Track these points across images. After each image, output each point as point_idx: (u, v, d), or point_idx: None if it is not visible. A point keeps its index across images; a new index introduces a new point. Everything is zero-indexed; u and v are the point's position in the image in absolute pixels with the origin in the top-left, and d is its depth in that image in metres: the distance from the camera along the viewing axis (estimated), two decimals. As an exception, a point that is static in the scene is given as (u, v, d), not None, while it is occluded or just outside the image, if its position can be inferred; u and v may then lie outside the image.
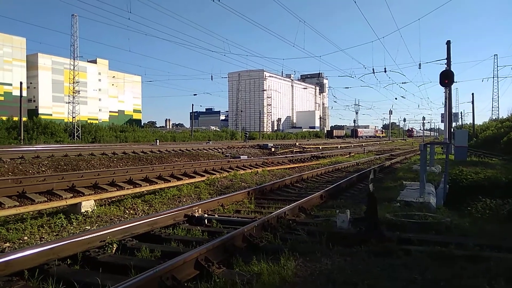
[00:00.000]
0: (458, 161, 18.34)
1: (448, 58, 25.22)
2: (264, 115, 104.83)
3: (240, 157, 20.96)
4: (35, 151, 16.78)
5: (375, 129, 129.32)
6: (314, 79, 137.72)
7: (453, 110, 33.32)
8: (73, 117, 43.05)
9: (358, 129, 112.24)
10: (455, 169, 14.34)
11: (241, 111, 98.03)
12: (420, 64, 32.89)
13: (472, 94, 52.90)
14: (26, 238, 6.01)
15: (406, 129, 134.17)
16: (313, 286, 3.48)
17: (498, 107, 75.89)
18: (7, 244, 5.66)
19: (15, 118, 37.31)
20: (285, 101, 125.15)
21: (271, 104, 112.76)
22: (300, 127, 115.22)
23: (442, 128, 30.65)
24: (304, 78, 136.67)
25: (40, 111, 65.97)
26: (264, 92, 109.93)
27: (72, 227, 6.76)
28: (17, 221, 6.83)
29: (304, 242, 4.95)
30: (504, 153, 27.38)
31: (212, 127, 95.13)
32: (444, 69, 23.54)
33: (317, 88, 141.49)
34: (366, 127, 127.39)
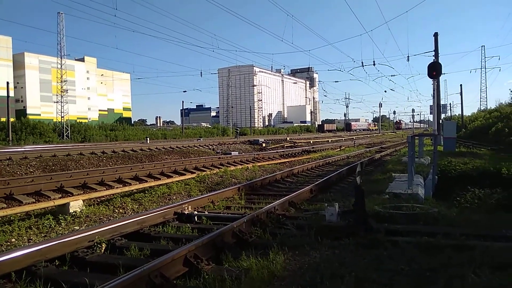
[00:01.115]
0: (447, 152, 18.52)
1: (436, 50, 25.38)
2: (255, 110, 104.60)
3: (231, 153, 20.97)
4: (23, 152, 16.58)
5: (368, 122, 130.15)
6: (304, 74, 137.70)
7: (442, 102, 33.57)
8: (62, 117, 42.59)
9: (352, 123, 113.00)
10: (444, 160, 14.50)
11: (232, 107, 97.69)
12: (408, 56, 33.20)
13: (461, 85, 53.51)
14: (13, 240, 5.95)
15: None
16: (301, 279, 3.49)
17: (486, 97, 76.74)
18: (-6, 247, 5.60)
19: (3, 119, 36.80)
20: (275, 96, 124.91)
21: (261, 100, 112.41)
22: (291, 122, 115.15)
23: (432, 120, 30.92)
24: (294, 73, 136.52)
25: (28, 111, 65.03)
26: (255, 87, 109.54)
27: (60, 228, 6.71)
28: (4, 223, 6.74)
29: (294, 236, 4.97)
30: (492, 143, 27.72)
31: (203, 123, 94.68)
32: (432, 61, 23.70)
33: (307, 82, 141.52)
34: (357, 120, 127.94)
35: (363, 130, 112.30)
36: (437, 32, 25.76)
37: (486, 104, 69.12)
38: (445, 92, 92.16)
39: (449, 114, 65.66)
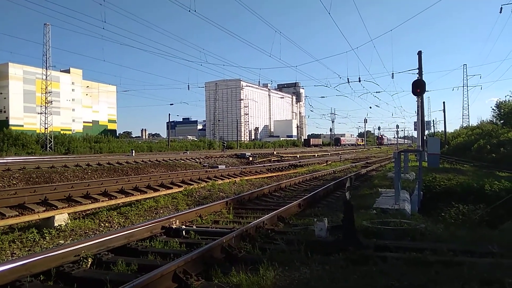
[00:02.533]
0: (431, 168, 18.82)
1: (420, 68, 25.90)
2: (242, 124, 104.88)
3: (218, 167, 20.90)
4: (5, 164, 16.26)
5: (356, 138, 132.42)
6: (291, 89, 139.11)
7: (426, 118, 34.19)
8: (45, 128, 42.00)
9: (341, 138, 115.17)
10: (429, 176, 14.70)
11: (219, 120, 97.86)
12: (393, 73, 33.66)
13: (444, 102, 54.89)
14: (-4, 254, 5.79)
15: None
16: (292, 296, 3.48)
17: (468, 115, 78.43)
18: (-24, 261, 5.43)
19: (-16, 130, 36.08)
20: (262, 110, 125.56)
21: (248, 114, 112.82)
22: (278, 136, 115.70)
23: (416, 136, 31.43)
24: (281, 88, 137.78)
25: (11, 122, 63.89)
26: (241, 101, 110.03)
27: (45, 242, 6.56)
28: (-14, 237, 6.57)
29: (283, 251, 4.96)
30: (475, 159, 28.27)
31: (189, 136, 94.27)
32: (416, 78, 24.17)
33: (294, 97, 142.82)
34: (343, 135, 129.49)
35: (351, 145, 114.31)
36: (420, 51, 26.32)
37: (468, 121, 70.64)
38: (428, 109, 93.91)
39: (433, 131, 66.83)
